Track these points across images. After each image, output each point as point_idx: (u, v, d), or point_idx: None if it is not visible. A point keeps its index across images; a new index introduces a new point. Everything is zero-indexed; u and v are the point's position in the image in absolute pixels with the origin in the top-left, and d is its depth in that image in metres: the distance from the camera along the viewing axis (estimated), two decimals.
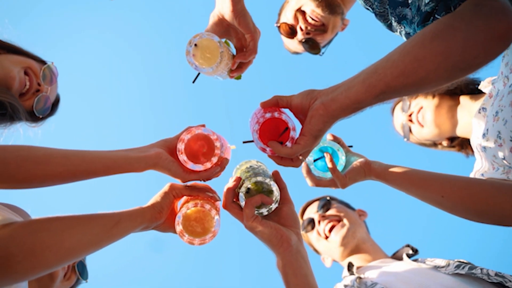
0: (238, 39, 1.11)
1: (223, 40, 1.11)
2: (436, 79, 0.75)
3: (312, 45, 1.77)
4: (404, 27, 0.94)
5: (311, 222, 1.70)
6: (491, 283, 1.08)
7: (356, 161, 1.14)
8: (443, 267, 1.17)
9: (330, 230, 1.62)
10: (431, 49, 0.73)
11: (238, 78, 1.19)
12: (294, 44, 1.83)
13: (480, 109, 1.22)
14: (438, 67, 0.73)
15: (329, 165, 1.16)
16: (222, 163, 0.99)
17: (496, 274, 1.08)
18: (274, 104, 0.92)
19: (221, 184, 1.01)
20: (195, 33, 1.01)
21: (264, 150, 0.91)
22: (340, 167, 1.17)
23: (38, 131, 1.35)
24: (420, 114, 1.66)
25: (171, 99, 4.28)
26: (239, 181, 0.99)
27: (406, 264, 1.31)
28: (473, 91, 1.55)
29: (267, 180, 0.95)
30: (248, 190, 0.97)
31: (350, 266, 1.48)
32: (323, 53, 1.86)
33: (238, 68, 1.14)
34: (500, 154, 1.06)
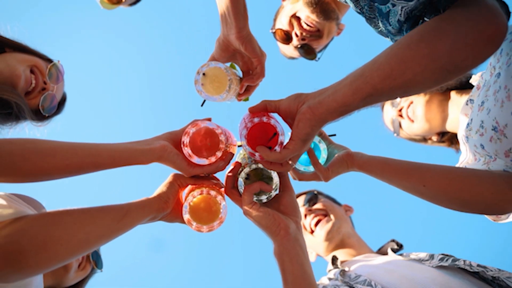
0: (244, 62, 1.12)
1: (229, 64, 1.13)
2: (423, 81, 0.74)
3: (307, 51, 1.77)
4: (393, 38, 0.94)
5: None
6: (473, 273, 1.09)
7: (339, 153, 1.14)
8: (427, 260, 1.18)
9: (316, 224, 1.62)
10: (418, 51, 0.73)
11: (246, 100, 1.21)
12: (289, 50, 1.84)
13: (467, 101, 1.22)
14: (425, 69, 0.72)
15: (310, 158, 1.14)
16: (226, 157, 0.98)
17: (478, 265, 1.09)
18: (263, 108, 0.92)
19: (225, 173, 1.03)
20: (202, 62, 1.03)
21: (253, 155, 0.91)
22: (322, 160, 1.16)
23: (44, 130, 1.35)
24: (410, 109, 1.66)
25: (173, 97, 4.31)
26: (238, 167, 0.99)
27: (391, 257, 1.31)
28: (464, 85, 1.55)
29: None
30: (247, 177, 0.97)
31: (334, 259, 1.48)
32: (319, 58, 1.86)
33: (245, 91, 1.15)
34: (481, 144, 1.06)
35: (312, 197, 1.72)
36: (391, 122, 1.75)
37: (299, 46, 1.76)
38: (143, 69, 4.29)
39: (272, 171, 0.96)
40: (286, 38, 1.77)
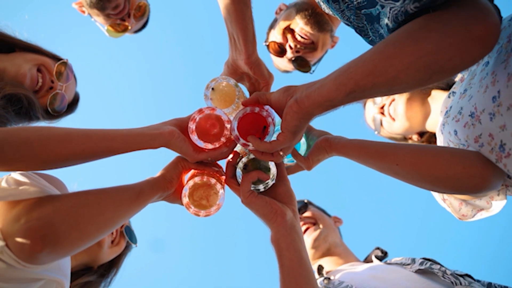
0: (251, 84, 1.15)
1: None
2: (407, 80, 0.72)
3: (301, 63, 1.75)
4: None
5: None
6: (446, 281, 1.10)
7: (317, 141, 1.14)
8: (408, 264, 1.20)
9: (304, 232, 1.65)
10: (403, 48, 0.71)
11: None
12: (283, 63, 1.81)
13: (449, 94, 1.20)
14: (409, 67, 0.70)
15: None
16: (230, 144, 1.00)
17: (452, 274, 1.09)
18: (255, 101, 0.94)
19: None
20: (212, 77, 1.06)
21: (246, 145, 0.92)
22: (303, 150, 1.17)
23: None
24: (392, 107, 1.64)
25: (175, 96, 4.30)
26: (237, 156, 1.02)
27: (374, 264, 1.33)
28: (447, 85, 1.53)
29: None
30: (245, 166, 1.00)
31: (319, 268, 1.49)
32: (313, 71, 1.84)
33: None
34: (455, 129, 1.04)
35: (302, 206, 1.75)
36: (372, 119, 1.74)
37: (293, 58, 1.74)
38: (146, 70, 4.32)
39: (270, 162, 0.98)
40: (280, 51, 1.75)
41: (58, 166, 0.83)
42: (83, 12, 1.86)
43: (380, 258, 1.42)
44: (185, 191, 0.97)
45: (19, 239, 0.71)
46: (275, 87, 1.10)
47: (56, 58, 1.33)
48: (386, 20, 0.83)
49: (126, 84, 4.27)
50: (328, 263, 1.56)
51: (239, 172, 0.99)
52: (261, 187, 0.99)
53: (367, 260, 1.54)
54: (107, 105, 4.10)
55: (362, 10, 0.88)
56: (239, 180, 0.99)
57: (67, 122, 1.39)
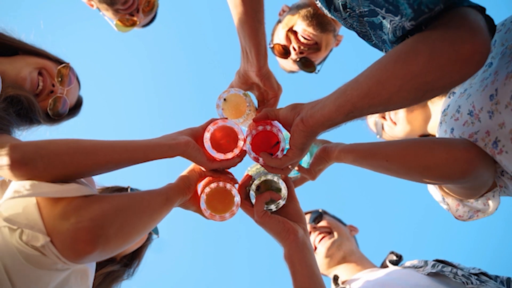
0: (260, 93, 1.20)
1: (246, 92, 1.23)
2: (401, 100, 0.76)
3: (306, 64, 1.76)
4: (388, 49, 0.94)
5: None
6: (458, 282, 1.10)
7: (316, 151, 1.18)
8: (421, 267, 1.22)
9: (319, 242, 1.66)
10: (393, 72, 0.74)
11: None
12: (289, 64, 1.83)
13: (449, 94, 1.20)
14: (400, 90, 0.74)
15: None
16: (242, 155, 1.06)
17: (463, 275, 1.09)
18: (265, 117, 1.00)
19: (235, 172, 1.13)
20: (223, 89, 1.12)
21: (257, 159, 0.99)
22: (306, 162, 1.22)
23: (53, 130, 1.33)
24: (393, 111, 1.63)
25: (182, 101, 4.33)
26: (249, 179, 1.08)
27: (389, 270, 1.33)
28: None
29: (276, 178, 1.04)
30: (258, 188, 1.06)
31: (335, 278, 1.51)
32: (318, 70, 1.85)
33: None
34: (452, 127, 1.05)
35: (318, 216, 1.77)
36: (374, 124, 1.74)
37: (297, 59, 1.76)
38: (150, 73, 4.35)
39: (280, 183, 1.04)
40: (284, 52, 1.77)
41: (84, 176, 0.87)
42: (92, 5, 1.84)
43: (395, 263, 1.43)
44: (203, 198, 1.01)
45: (68, 237, 0.72)
46: (284, 87, 1.17)
47: (59, 62, 1.31)
48: (388, 28, 0.85)
49: (130, 86, 4.29)
50: (344, 271, 1.58)
51: (252, 194, 1.05)
52: (273, 207, 1.05)
53: (383, 265, 1.55)
54: (111, 108, 4.10)
55: (365, 18, 0.90)
56: (253, 201, 1.05)
57: (69, 125, 1.39)
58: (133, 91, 4.34)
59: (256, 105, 1.23)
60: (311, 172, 1.16)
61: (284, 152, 0.98)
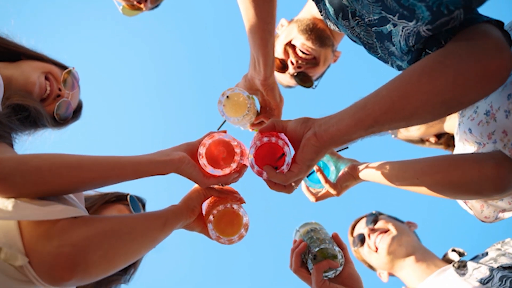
0: (263, 99, 1.20)
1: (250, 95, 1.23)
2: (425, 115, 0.75)
3: (304, 79, 1.73)
4: (395, 61, 0.92)
5: (362, 237, 1.72)
6: None
7: (344, 168, 1.19)
8: (488, 281, 1.19)
9: (380, 241, 1.66)
10: (419, 86, 0.73)
11: (257, 131, 1.27)
12: (286, 78, 1.80)
13: None
14: (426, 104, 0.73)
15: (320, 177, 1.22)
16: (241, 170, 1.01)
17: None
18: (271, 128, 0.95)
19: (239, 188, 1.09)
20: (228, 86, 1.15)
21: (260, 173, 0.94)
22: (332, 176, 1.23)
23: (51, 136, 1.34)
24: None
25: (184, 107, 4.31)
26: (304, 248, 1.10)
27: (454, 282, 1.32)
28: None
29: (331, 246, 1.07)
30: (315, 257, 1.07)
31: None
32: (316, 86, 1.82)
33: (259, 124, 1.26)
34: (469, 128, 1.06)
35: (374, 217, 1.76)
36: None
37: (295, 74, 1.73)
38: (150, 72, 4.34)
39: (335, 249, 1.06)
40: (282, 66, 1.74)
41: (68, 192, 0.82)
42: None
43: (457, 266, 1.42)
44: (211, 218, 0.97)
45: (47, 261, 0.68)
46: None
47: (61, 66, 1.34)
48: (399, 38, 0.83)
49: (130, 86, 4.29)
50: (412, 273, 1.55)
51: (310, 262, 1.07)
52: (330, 274, 1.07)
53: (445, 259, 1.55)
54: (111, 109, 4.09)
55: (373, 28, 0.89)
56: (310, 270, 1.07)
57: (70, 128, 1.42)
58: (133, 91, 4.34)
59: (258, 109, 1.23)
60: (337, 187, 1.17)
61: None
